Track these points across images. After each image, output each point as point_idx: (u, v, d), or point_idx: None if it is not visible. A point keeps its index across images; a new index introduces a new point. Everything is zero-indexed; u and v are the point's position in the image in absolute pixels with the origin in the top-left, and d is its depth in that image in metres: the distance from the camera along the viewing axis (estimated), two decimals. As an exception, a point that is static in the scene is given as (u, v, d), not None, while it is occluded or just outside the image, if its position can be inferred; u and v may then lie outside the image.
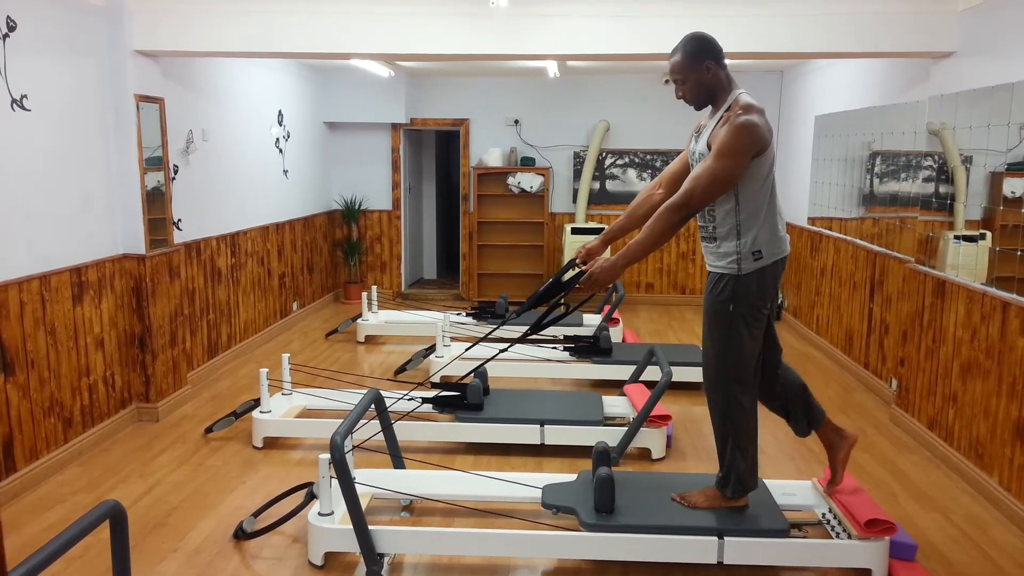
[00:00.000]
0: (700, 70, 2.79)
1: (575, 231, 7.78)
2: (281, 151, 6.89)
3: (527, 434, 4.13)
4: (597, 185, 8.20)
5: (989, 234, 3.88)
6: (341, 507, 3.12)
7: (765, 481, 3.56)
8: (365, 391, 3.65)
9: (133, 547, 3.08)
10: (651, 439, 4.09)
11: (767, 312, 2.93)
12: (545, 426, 4.13)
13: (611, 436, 4.09)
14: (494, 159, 8.08)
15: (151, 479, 3.84)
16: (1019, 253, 3.53)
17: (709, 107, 2.90)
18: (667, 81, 7.92)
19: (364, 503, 3.18)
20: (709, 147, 2.77)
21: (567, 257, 7.76)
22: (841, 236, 6.03)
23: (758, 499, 3.21)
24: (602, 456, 3.21)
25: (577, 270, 2.97)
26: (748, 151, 2.68)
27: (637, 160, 8.16)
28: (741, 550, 2.95)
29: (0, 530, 1.07)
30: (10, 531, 3.32)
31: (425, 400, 4.29)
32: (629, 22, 4.39)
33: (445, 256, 9.86)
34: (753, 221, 2.80)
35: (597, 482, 3.04)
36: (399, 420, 3.78)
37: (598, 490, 3.04)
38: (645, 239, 2.75)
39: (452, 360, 5.01)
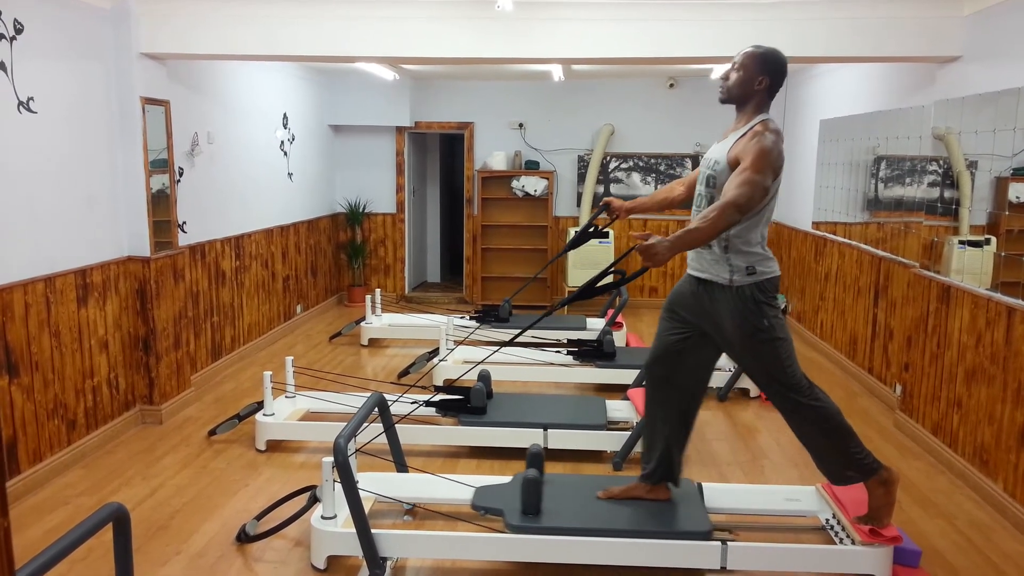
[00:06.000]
0: (756, 76, 2.86)
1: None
2: (286, 154, 6.90)
3: (530, 438, 4.12)
4: (601, 189, 8.19)
5: (994, 239, 3.87)
6: (344, 510, 3.12)
7: (766, 486, 3.56)
8: (369, 394, 3.65)
9: (136, 549, 3.08)
10: (654, 443, 4.08)
11: (779, 311, 2.96)
12: (548, 430, 4.12)
13: (614, 440, 4.08)
14: (498, 162, 8.08)
15: (154, 481, 3.85)
16: (1024, 258, 3.52)
17: (734, 121, 2.96)
18: (671, 85, 7.94)
19: (367, 506, 3.18)
20: (730, 162, 2.80)
21: (570, 262, 7.76)
22: (845, 240, 6.02)
23: (685, 500, 3.23)
24: (535, 458, 3.23)
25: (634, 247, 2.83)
26: (777, 169, 2.77)
27: (642, 164, 8.16)
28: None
29: (9, 532, 1.07)
30: (14, 533, 3.30)
31: (428, 403, 4.29)
32: (634, 26, 4.39)
33: (449, 259, 9.87)
34: (747, 244, 2.86)
35: (523, 484, 3.06)
36: (400, 420, 3.77)
37: (524, 492, 3.05)
38: (706, 228, 2.61)
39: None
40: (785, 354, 2.90)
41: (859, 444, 2.97)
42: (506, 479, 3.41)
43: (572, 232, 7.82)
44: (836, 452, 2.97)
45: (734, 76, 2.89)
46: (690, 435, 3.24)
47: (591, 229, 3.37)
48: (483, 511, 3.16)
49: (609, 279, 3.01)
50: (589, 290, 2.83)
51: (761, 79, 2.85)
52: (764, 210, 2.85)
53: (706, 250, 2.93)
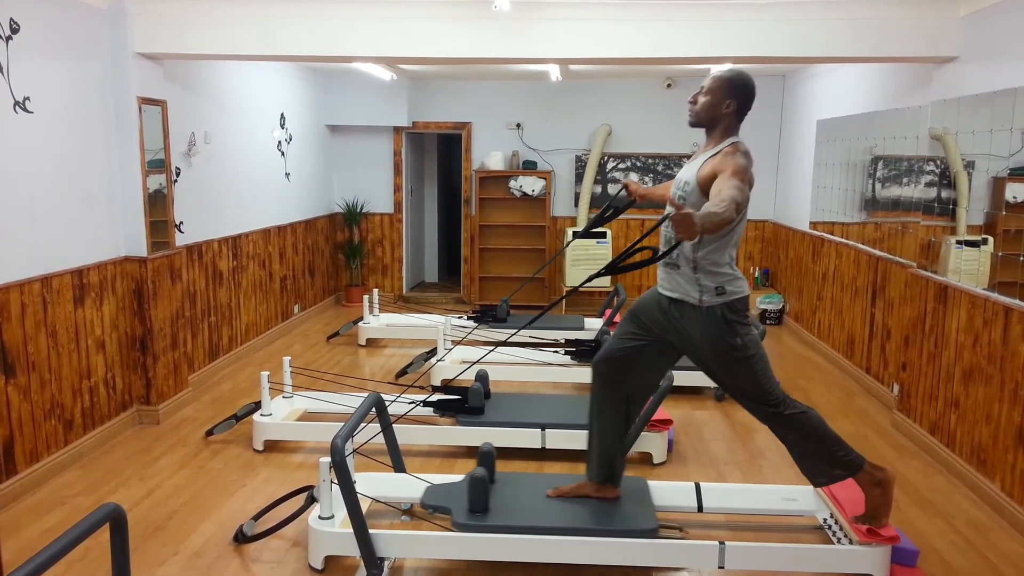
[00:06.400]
0: (723, 99, 2.88)
1: (577, 235, 7.76)
2: (283, 154, 6.89)
3: (528, 438, 4.13)
4: (599, 189, 8.20)
5: (991, 239, 3.88)
6: (341, 511, 3.12)
7: (764, 486, 3.56)
8: (366, 394, 3.64)
9: (133, 550, 3.08)
10: (652, 444, 4.09)
11: (751, 327, 2.96)
12: (546, 430, 4.12)
13: (612, 440, 4.08)
14: (496, 163, 8.08)
15: (151, 482, 3.84)
16: (1021, 258, 3.53)
17: (704, 143, 2.99)
18: (669, 85, 7.95)
19: (364, 507, 3.18)
20: (700, 180, 2.81)
21: (568, 262, 7.77)
22: (843, 240, 6.02)
23: (633, 498, 3.24)
24: (485, 457, 3.25)
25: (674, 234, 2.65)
26: (750, 186, 2.77)
27: (639, 164, 8.16)
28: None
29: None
30: (10, 533, 3.32)
31: (426, 404, 4.28)
32: (632, 26, 4.39)
33: (446, 259, 9.86)
34: (715, 265, 2.87)
35: (469, 483, 3.07)
36: (398, 420, 3.77)
37: (471, 491, 3.06)
38: (723, 213, 2.49)
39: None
40: (760, 370, 2.92)
41: (842, 444, 2.99)
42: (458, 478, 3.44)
43: (570, 232, 7.83)
44: (818, 455, 3.00)
45: (702, 100, 2.92)
46: (628, 434, 3.27)
47: (610, 211, 3.40)
48: (431, 510, 3.17)
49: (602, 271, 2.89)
50: (616, 267, 2.71)
51: (729, 103, 2.87)
52: (733, 232, 2.86)
53: (675, 270, 2.94)
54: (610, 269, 2.70)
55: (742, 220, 2.86)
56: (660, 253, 2.74)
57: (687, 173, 2.93)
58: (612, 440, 3.21)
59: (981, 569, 3.13)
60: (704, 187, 2.79)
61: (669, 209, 2.59)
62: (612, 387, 3.17)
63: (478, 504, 3.06)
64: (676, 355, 3.16)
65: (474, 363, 3.77)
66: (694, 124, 2.98)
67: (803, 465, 3.06)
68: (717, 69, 2.94)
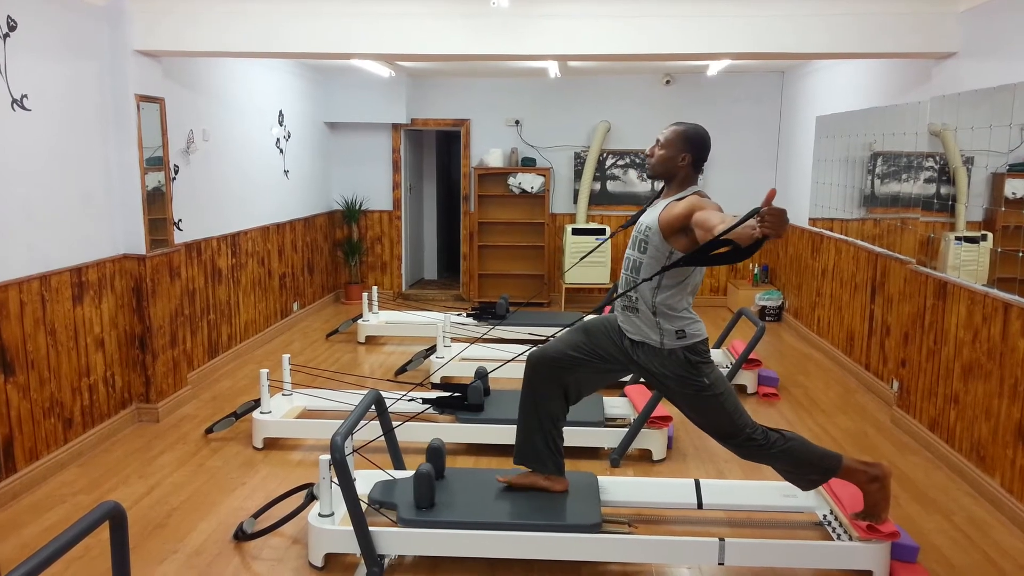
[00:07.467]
0: (678, 153, 2.92)
1: (576, 232, 7.77)
2: (282, 151, 6.88)
3: (528, 435, 4.12)
4: (598, 186, 8.19)
5: (990, 235, 3.88)
6: (341, 508, 3.12)
7: (764, 482, 3.55)
8: (365, 392, 3.64)
9: (133, 548, 3.08)
10: (652, 440, 4.09)
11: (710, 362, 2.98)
12: (546, 427, 4.11)
13: (612, 437, 4.08)
14: (495, 159, 8.08)
15: (151, 480, 3.84)
16: (1020, 254, 3.53)
17: (663, 192, 3.03)
18: (668, 81, 7.94)
19: (364, 504, 3.17)
20: (662, 222, 2.82)
21: (568, 259, 7.76)
22: (842, 237, 6.02)
23: (580, 494, 3.23)
24: (433, 453, 3.26)
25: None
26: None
27: (638, 161, 8.15)
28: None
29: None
30: (10, 532, 3.32)
31: (426, 401, 4.28)
32: (630, 22, 4.38)
33: (446, 257, 9.86)
34: (673, 310, 2.89)
35: (415, 479, 3.07)
36: (400, 425, 3.77)
37: (416, 487, 3.07)
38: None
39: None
40: (731, 406, 2.94)
41: (821, 455, 3.00)
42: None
43: (569, 229, 7.82)
44: (799, 469, 3.02)
45: (658, 153, 2.96)
46: (562, 424, 3.27)
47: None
48: (378, 506, 3.16)
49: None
50: (702, 256, 2.51)
51: (684, 156, 2.91)
52: (690, 278, 2.89)
53: (634, 314, 2.97)
54: (688, 260, 2.60)
55: (700, 269, 2.89)
56: (748, 247, 2.37)
57: (648, 218, 2.95)
58: (546, 431, 3.22)
59: (981, 565, 3.13)
60: (666, 229, 2.82)
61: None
62: (548, 381, 3.18)
63: (424, 500, 3.07)
64: (619, 376, 3.22)
65: (514, 356, 3.69)
66: (652, 176, 3.04)
67: (786, 477, 3.10)
68: (674, 123, 3.00)
